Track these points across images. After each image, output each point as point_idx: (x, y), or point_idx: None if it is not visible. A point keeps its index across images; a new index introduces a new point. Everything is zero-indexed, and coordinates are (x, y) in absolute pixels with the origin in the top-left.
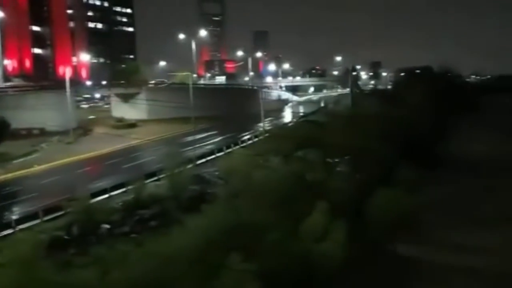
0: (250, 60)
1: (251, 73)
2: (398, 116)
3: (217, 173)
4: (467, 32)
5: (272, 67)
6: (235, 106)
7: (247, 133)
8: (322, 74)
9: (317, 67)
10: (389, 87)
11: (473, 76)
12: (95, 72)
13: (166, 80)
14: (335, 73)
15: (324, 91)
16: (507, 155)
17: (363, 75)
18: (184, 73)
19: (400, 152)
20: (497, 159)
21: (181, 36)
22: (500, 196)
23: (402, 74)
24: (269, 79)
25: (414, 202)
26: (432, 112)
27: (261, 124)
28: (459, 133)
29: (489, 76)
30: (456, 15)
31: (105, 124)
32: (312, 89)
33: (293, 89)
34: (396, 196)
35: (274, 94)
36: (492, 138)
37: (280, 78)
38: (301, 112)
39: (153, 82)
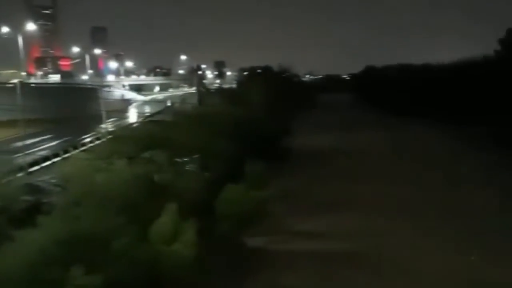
0: (87, 57)
1: (90, 71)
2: (243, 113)
3: (54, 180)
4: (304, 32)
5: (113, 65)
6: (73, 106)
7: (87, 135)
8: (167, 73)
9: (161, 66)
10: (234, 86)
11: (307, 76)
12: None
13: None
14: (181, 72)
15: (170, 90)
16: (343, 146)
17: (209, 74)
18: (10, 71)
19: (248, 149)
20: (336, 149)
21: (4, 29)
22: (338, 181)
23: (245, 73)
24: (110, 78)
25: (262, 195)
26: (275, 109)
27: (103, 126)
28: (300, 128)
29: (321, 76)
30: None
31: None
32: (157, 88)
33: (138, 89)
34: (243, 190)
35: (117, 93)
36: (330, 131)
37: (123, 77)
38: (146, 112)
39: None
